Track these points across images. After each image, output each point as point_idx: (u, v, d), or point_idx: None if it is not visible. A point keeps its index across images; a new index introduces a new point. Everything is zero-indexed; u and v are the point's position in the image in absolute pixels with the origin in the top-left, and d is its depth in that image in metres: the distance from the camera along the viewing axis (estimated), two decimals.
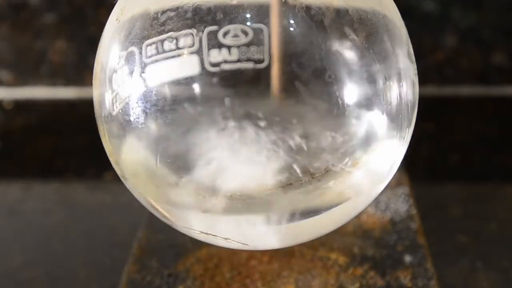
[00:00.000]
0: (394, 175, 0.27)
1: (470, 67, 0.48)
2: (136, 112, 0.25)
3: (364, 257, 0.28)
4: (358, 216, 0.30)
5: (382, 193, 0.27)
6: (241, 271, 0.28)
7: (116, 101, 0.25)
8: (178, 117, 0.28)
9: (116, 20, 0.26)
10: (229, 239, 0.25)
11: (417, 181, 0.35)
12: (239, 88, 0.27)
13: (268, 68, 0.25)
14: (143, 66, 0.25)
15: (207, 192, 0.26)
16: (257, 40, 0.24)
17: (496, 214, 0.36)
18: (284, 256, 0.28)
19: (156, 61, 0.24)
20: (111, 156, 0.26)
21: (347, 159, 0.26)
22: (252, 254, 0.28)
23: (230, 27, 0.24)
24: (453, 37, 0.48)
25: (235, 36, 0.24)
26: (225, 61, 0.25)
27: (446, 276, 0.31)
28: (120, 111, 0.25)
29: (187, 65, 0.25)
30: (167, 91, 0.25)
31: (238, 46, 0.24)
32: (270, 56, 0.25)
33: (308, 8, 0.24)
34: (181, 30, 0.24)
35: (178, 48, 0.24)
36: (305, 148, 0.27)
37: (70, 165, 0.43)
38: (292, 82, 0.26)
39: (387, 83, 0.25)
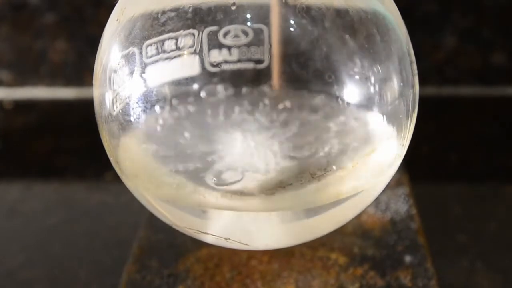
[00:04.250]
0: (394, 175, 0.27)
1: (470, 67, 0.48)
2: (136, 112, 0.25)
3: (364, 257, 0.28)
4: (358, 216, 0.30)
5: (382, 193, 0.27)
6: (241, 271, 0.28)
7: (116, 101, 0.25)
8: (178, 117, 0.28)
9: (117, 20, 0.26)
10: (229, 239, 0.25)
11: (417, 181, 0.35)
12: (239, 88, 0.27)
13: (268, 68, 0.25)
14: (144, 66, 0.25)
15: (207, 192, 0.26)
16: (257, 41, 0.24)
17: (496, 214, 0.36)
18: (284, 256, 0.28)
19: (157, 61, 0.24)
20: (111, 156, 0.26)
21: (347, 159, 0.26)
22: (252, 254, 0.28)
23: (231, 27, 0.24)
24: (453, 37, 0.48)
25: (236, 36, 0.24)
26: (226, 61, 0.25)
27: (446, 276, 0.31)
28: (120, 111, 0.25)
29: (187, 66, 0.25)
30: (167, 91, 0.25)
31: (239, 46, 0.24)
32: (270, 56, 0.25)
33: (308, 8, 0.24)
34: (181, 31, 0.24)
35: (178, 48, 0.24)
36: (305, 148, 0.27)
37: (70, 165, 0.43)
38: (292, 82, 0.26)
39: (387, 83, 0.25)
